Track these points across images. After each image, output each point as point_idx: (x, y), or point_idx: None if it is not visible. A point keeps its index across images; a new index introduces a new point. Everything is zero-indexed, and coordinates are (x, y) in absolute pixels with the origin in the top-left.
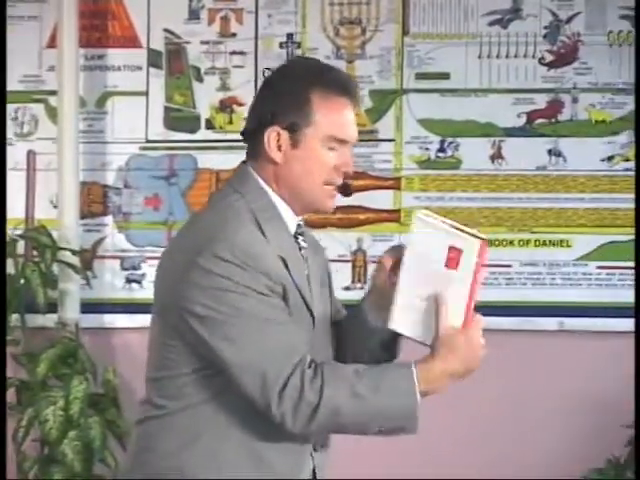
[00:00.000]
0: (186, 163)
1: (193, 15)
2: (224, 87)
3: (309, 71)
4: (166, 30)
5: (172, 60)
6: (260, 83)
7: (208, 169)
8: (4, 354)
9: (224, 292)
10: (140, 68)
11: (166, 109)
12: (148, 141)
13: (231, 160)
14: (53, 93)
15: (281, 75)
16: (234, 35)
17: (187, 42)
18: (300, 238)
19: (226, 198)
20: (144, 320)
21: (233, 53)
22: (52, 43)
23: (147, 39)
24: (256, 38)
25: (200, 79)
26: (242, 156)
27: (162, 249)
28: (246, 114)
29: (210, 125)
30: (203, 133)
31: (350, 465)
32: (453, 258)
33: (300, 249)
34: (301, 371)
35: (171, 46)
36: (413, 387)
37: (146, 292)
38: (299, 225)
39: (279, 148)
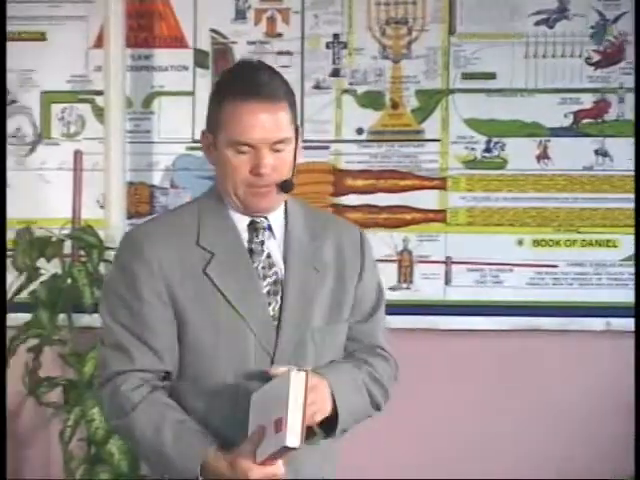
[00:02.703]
0: None
1: (239, 15)
2: None
3: (224, 78)
4: (213, 30)
5: (218, 60)
6: (305, 84)
7: None
8: (4, 353)
9: None
10: (186, 68)
11: None
12: (194, 141)
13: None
14: (100, 93)
15: (215, 81)
16: (280, 35)
17: (233, 42)
18: (261, 234)
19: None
20: None
21: (279, 53)
22: (99, 43)
23: (194, 39)
24: (302, 38)
25: None
26: None
27: None
28: None
29: None
30: None
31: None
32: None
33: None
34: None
35: (217, 46)
36: (196, 466)
37: None
38: (251, 223)
39: (207, 149)
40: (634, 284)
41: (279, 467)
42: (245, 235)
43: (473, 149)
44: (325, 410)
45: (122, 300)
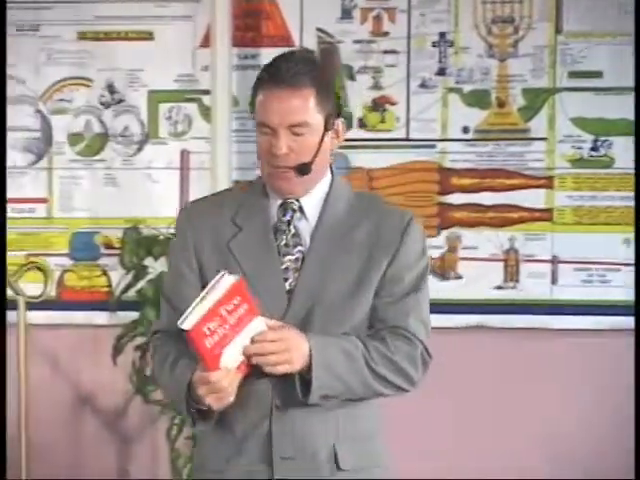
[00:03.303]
0: (338, 162)
1: (346, 14)
2: (376, 86)
3: (263, 68)
4: (319, 29)
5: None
6: (411, 82)
7: (360, 168)
8: (4, 352)
9: None
10: None
11: None
12: None
13: (383, 159)
14: (207, 92)
15: None
16: (386, 34)
17: (339, 41)
18: (289, 214)
19: None
20: None
21: (385, 52)
22: (206, 43)
23: (300, 38)
24: (408, 37)
25: (352, 78)
26: (395, 155)
27: None
28: (399, 113)
29: (362, 124)
30: (355, 132)
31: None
32: None
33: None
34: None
35: (324, 45)
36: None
37: None
38: (282, 203)
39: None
40: (634, 284)
41: (214, 374)
42: (275, 215)
43: (580, 148)
44: (292, 364)
45: (167, 268)
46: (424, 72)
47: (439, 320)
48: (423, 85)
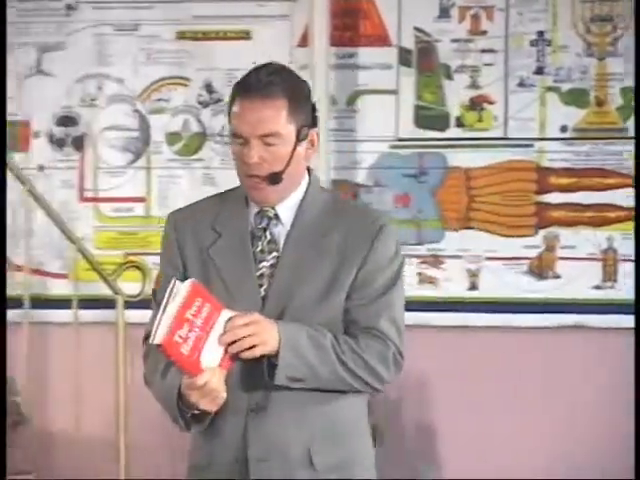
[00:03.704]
0: (436, 161)
1: (444, 13)
2: (474, 85)
3: (234, 85)
4: (416, 28)
5: (422, 58)
6: (509, 81)
7: (458, 167)
8: (4, 351)
9: None
10: (390, 66)
11: (416, 107)
12: (398, 139)
13: (481, 159)
14: None
15: None
16: (484, 33)
17: (437, 40)
18: (265, 221)
19: None
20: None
21: (483, 51)
22: (303, 42)
23: (397, 37)
24: (506, 36)
25: (450, 77)
26: (492, 154)
27: (412, 247)
28: (497, 112)
29: (460, 123)
30: (453, 131)
31: None
32: None
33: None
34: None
35: (421, 44)
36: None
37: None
38: (259, 211)
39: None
40: (634, 284)
41: (200, 377)
42: (253, 221)
43: None
44: (266, 345)
45: (158, 274)
46: (522, 71)
47: (536, 320)
48: (521, 84)
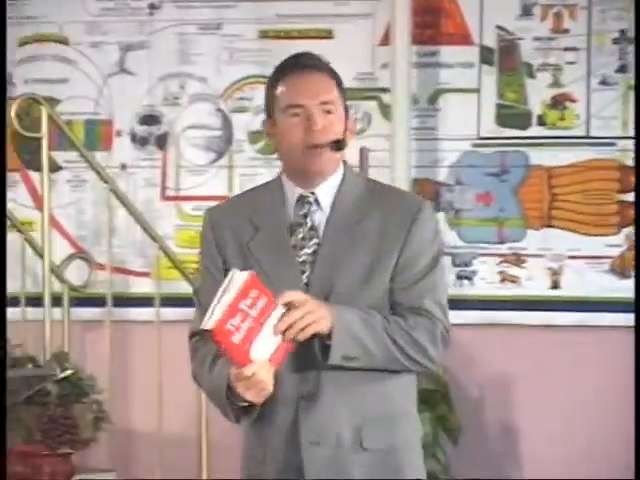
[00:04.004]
0: (517, 160)
1: (526, 11)
2: (556, 83)
3: (275, 70)
4: (498, 27)
5: (504, 57)
6: (591, 80)
7: (539, 166)
8: (4, 351)
9: None
10: (472, 65)
11: (498, 106)
12: (480, 138)
13: (563, 157)
14: (386, 90)
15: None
16: (567, 31)
17: (519, 38)
18: (305, 208)
19: None
20: (474, 317)
21: (566, 49)
22: (385, 41)
23: (479, 36)
24: (589, 34)
25: (532, 75)
26: (574, 153)
27: (493, 246)
28: (579, 111)
29: (542, 122)
30: (535, 130)
31: None
32: None
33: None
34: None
35: (503, 43)
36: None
37: (476, 289)
38: (299, 199)
39: (269, 134)
40: (634, 284)
41: (248, 368)
42: (292, 209)
43: None
44: (319, 323)
45: (198, 272)
46: (604, 69)
47: (618, 319)
48: (603, 82)
